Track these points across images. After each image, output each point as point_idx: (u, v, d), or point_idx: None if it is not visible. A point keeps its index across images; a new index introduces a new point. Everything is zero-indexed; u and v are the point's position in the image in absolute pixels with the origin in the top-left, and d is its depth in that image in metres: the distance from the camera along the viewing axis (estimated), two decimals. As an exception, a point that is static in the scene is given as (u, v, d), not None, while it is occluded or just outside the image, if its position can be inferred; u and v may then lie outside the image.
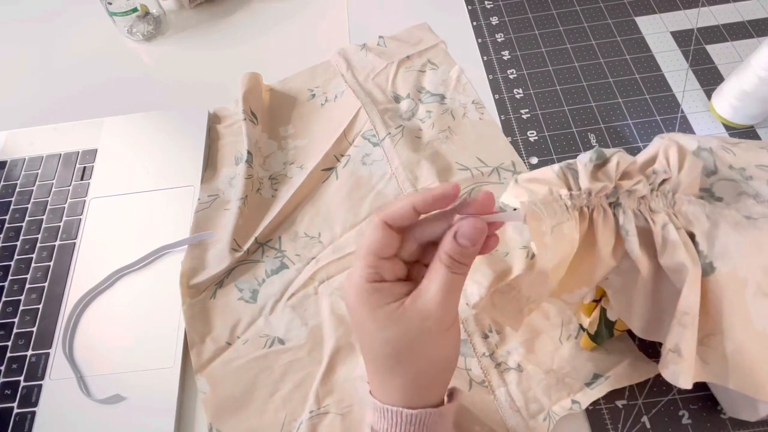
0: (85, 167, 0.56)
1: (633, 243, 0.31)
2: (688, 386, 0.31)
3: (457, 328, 0.30)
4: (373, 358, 0.30)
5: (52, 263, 0.50)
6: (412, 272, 0.31)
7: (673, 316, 0.31)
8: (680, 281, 0.31)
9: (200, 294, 0.48)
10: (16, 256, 0.51)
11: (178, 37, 0.68)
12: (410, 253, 0.30)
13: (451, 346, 0.30)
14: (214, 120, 0.59)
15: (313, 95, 0.60)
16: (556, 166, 0.33)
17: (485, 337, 0.44)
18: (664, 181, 0.31)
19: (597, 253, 0.32)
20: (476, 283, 0.44)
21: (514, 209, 0.33)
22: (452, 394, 0.33)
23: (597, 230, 0.31)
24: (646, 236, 0.31)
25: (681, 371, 0.31)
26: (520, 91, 0.59)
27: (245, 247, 0.49)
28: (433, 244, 0.29)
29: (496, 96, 0.59)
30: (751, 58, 0.49)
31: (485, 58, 0.62)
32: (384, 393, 0.31)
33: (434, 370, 0.30)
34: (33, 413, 0.43)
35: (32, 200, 0.55)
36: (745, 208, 0.31)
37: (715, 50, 0.60)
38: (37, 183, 0.56)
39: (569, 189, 0.32)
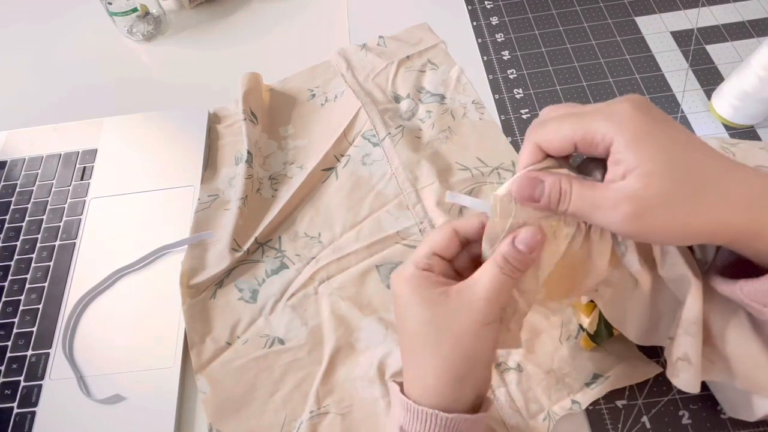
0: (85, 167, 0.56)
1: (632, 257, 0.31)
2: (697, 390, 0.32)
3: (495, 328, 0.30)
4: (410, 342, 0.32)
5: (52, 263, 0.50)
6: (459, 280, 0.31)
7: (671, 320, 0.31)
8: (681, 291, 0.31)
9: (200, 294, 0.48)
10: (16, 256, 0.51)
11: (178, 37, 0.68)
12: (462, 264, 0.32)
13: (488, 343, 0.30)
14: (214, 120, 0.59)
15: (313, 95, 0.60)
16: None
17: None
18: None
19: (589, 265, 0.32)
20: None
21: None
22: (482, 403, 0.33)
23: (593, 245, 0.31)
24: (643, 248, 0.32)
25: (692, 378, 0.32)
26: (520, 91, 0.59)
27: (245, 247, 0.49)
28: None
29: (496, 96, 0.59)
30: (751, 58, 0.49)
31: (485, 58, 0.62)
32: (416, 381, 0.31)
33: (469, 362, 0.30)
34: (33, 413, 0.43)
35: (32, 200, 0.55)
36: None
37: (715, 50, 0.60)
38: (37, 183, 0.56)
39: None
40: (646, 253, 0.32)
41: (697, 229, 0.26)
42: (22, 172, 0.57)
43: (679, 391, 0.41)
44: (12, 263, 0.51)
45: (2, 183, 0.56)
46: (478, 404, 0.32)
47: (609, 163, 0.27)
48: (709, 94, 0.56)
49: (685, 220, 0.25)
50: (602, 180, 0.28)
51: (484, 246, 0.30)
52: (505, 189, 0.29)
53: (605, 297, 0.35)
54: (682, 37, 0.61)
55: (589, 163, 0.30)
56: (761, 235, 0.26)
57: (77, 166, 0.56)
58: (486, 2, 0.67)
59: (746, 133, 0.53)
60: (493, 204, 0.29)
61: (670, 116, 0.27)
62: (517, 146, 0.54)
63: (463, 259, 0.33)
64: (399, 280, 0.31)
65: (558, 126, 0.28)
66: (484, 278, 0.29)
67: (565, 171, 0.29)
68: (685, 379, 0.32)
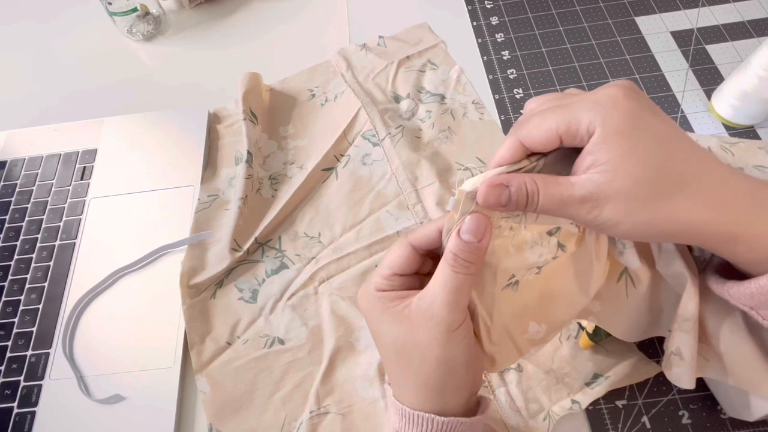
0: (85, 167, 0.56)
1: (631, 255, 0.31)
2: (691, 386, 0.32)
3: (465, 330, 0.29)
4: (386, 358, 0.32)
5: (52, 263, 0.50)
6: (425, 283, 0.31)
7: (673, 312, 0.31)
8: (679, 287, 0.31)
9: (200, 294, 0.48)
10: (16, 256, 0.51)
11: (178, 37, 0.68)
12: (429, 267, 0.32)
13: (459, 347, 0.29)
14: (214, 120, 0.59)
15: (313, 95, 0.60)
16: None
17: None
18: None
19: (585, 275, 0.32)
20: None
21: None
22: (479, 403, 0.32)
23: (589, 247, 0.31)
24: (642, 246, 0.32)
25: (684, 373, 0.32)
26: (520, 91, 0.59)
27: (245, 247, 0.49)
28: None
29: (496, 96, 0.59)
30: (751, 58, 0.49)
31: (485, 58, 0.62)
32: (401, 395, 0.31)
33: (442, 371, 0.29)
34: (33, 413, 0.43)
35: (32, 200, 0.55)
36: None
37: (715, 50, 0.60)
38: (37, 183, 0.56)
39: None
40: (644, 250, 0.32)
41: (663, 228, 0.25)
42: (22, 172, 0.57)
43: (679, 391, 0.41)
44: (12, 263, 0.51)
45: (2, 183, 0.56)
46: (474, 405, 0.32)
47: (582, 152, 0.26)
48: (709, 94, 0.56)
49: (647, 218, 0.25)
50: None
51: (443, 242, 0.29)
52: (471, 185, 0.27)
53: (595, 310, 0.35)
54: (682, 37, 0.61)
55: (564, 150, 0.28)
56: (738, 239, 0.25)
57: (77, 166, 0.56)
58: (486, 2, 0.67)
59: (746, 133, 0.53)
60: (457, 198, 0.27)
61: (657, 106, 0.26)
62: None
63: (428, 264, 0.32)
64: (362, 301, 0.31)
65: (541, 120, 0.26)
66: (437, 283, 0.28)
67: (537, 166, 0.28)
68: (676, 373, 0.32)
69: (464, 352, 0.29)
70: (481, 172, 0.27)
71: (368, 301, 0.31)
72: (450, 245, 0.28)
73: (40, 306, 0.48)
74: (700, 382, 0.39)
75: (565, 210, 0.26)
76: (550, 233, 0.30)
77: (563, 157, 0.28)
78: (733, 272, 0.28)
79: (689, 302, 0.30)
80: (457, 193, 0.27)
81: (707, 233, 0.25)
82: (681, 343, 0.31)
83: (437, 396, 0.30)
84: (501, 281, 0.30)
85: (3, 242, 0.52)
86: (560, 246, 0.31)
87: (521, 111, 0.57)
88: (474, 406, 0.32)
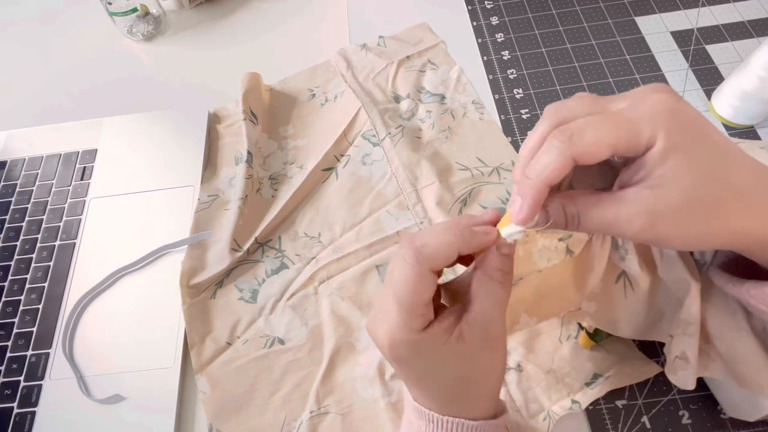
0: (85, 167, 0.56)
1: (632, 261, 0.31)
2: (693, 387, 0.32)
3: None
4: (434, 394, 0.29)
5: (52, 263, 0.50)
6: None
7: (673, 317, 0.31)
8: (681, 292, 0.31)
9: (200, 294, 0.48)
10: (16, 256, 0.51)
11: (178, 37, 0.68)
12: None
13: (504, 355, 0.29)
14: (214, 120, 0.59)
15: (313, 95, 0.60)
16: None
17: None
18: None
19: (582, 276, 0.32)
20: None
21: None
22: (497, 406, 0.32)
23: (593, 252, 0.31)
24: (642, 251, 0.32)
25: (688, 376, 0.32)
26: (520, 91, 0.59)
27: (245, 247, 0.49)
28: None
29: (496, 96, 0.59)
30: (751, 58, 0.49)
31: (485, 58, 0.62)
32: (422, 401, 0.30)
33: (499, 382, 0.29)
34: (33, 413, 0.43)
35: (32, 200, 0.55)
36: None
37: (715, 50, 0.60)
38: (37, 183, 0.56)
39: None
40: (645, 255, 0.32)
41: (716, 239, 0.24)
42: (22, 172, 0.57)
43: (679, 391, 0.41)
44: (12, 263, 0.51)
45: (2, 183, 0.56)
46: (497, 409, 0.32)
47: (634, 164, 0.24)
48: (709, 94, 0.56)
49: (702, 231, 0.24)
50: (606, 180, 0.26)
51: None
52: (508, 233, 0.26)
53: (590, 311, 0.35)
54: (682, 37, 0.61)
55: None
56: None
57: (77, 166, 0.56)
58: (486, 2, 0.67)
59: (746, 133, 0.53)
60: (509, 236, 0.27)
61: (701, 113, 0.25)
62: (517, 146, 0.54)
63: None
64: (398, 349, 0.27)
65: (597, 133, 0.23)
66: (489, 303, 0.27)
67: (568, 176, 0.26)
68: (682, 376, 0.32)
69: (505, 357, 0.29)
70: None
71: (410, 348, 0.27)
72: (495, 263, 0.27)
73: (40, 306, 0.48)
74: (701, 382, 0.39)
75: (612, 229, 0.25)
76: (561, 239, 0.31)
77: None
78: (741, 270, 0.28)
79: (692, 306, 0.30)
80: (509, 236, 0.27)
81: (758, 242, 0.25)
82: (686, 347, 0.31)
83: (469, 403, 0.29)
84: None
85: (3, 242, 0.52)
86: (569, 251, 0.31)
87: (521, 111, 0.57)
88: (498, 410, 0.32)
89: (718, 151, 0.24)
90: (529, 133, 0.26)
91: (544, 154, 0.24)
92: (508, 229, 0.26)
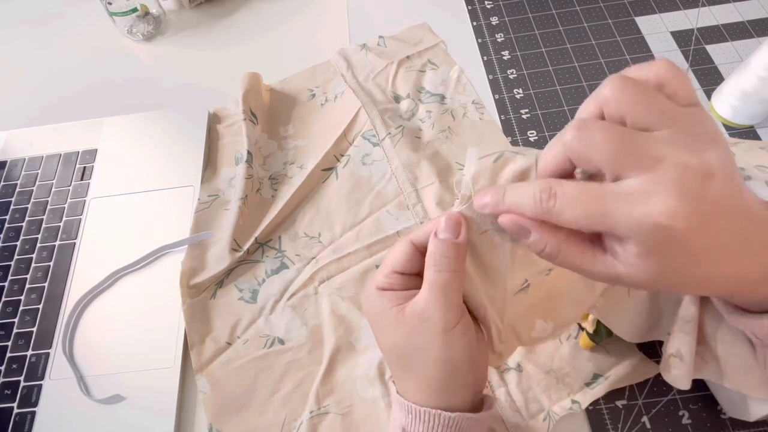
0: (85, 167, 0.56)
1: None
2: (688, 387, 0.32)
3: (463, 329, 0.29)
4: (388, 359, 0.33)
5: (52, 263, 0.50)
6: None
7: (672, 316, 0.31)
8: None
9: (200, 294, 0.48)
10: (16, 256, 0.51)
11: (178, 37, 0.68)
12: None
13: (458, 347, 0.29)
14: (214, 120, 0.59)
15: (313, 95, 0.60)
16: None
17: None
18: None
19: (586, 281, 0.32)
20: None
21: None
22: (484, 401, 0.32)
23: None
24: None
25: (683, 375, 0.32)
26: (520, 91, 0.59)
27: (245, 247, 0.49)
28: None
29: (496, 96, 0.59)
30: (751, 58, 0.49)
31: (485, 58, 0.62)
32: (405, 393, 0.31)
33: (444, 372, 0.29)
34: (33, 413, 0.43)
35: (32, 200, 0.55)
36: None
37: (715, 50, 0.60)
38: (37, 183, 0.56)
39: None
40: None
41: (693, 291, 0.26)
42: (22, 172, 0.57)
43: (679, 391, 0.41)
44: (12, 263, 0.51)
45: (2, 183, 0.56)
46: (479, 403, 0.32)
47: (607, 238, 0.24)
48: (709, 94, 0.56)
49: (677, 288, 0.25)
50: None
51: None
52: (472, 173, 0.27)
53: (598, 304, 0.35)
54: (682, 37, 0.61)
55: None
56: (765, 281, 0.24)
57: (77, 166, 0.56)
58: (486, 2, 0.67)
59: (746, 133, 0.53)
60: (463, 205, 0.27)
61: (731, 191, 0.22)
62: (516, 146, 0.54)
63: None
64: (364, 301, 0.32)
65: (579, 211, 0.23)
66: (426, 285, 0.28)
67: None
68: (676, 375, 0.32)
69: (464, 350, 0.29)
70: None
71: (368, 300, 0.31)
72: (430, 246, 0.28)
73: (40, 306, 0.48)
74: (701, 382, 0.39)
75: (584, 275, 0.25)
76: None
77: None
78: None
79: (690, 305, 0.30)
80: (461, 196, 0.28)
81: (740, 291, 0.25)
82: (681, 344, 0.31)
83: (441, 395, 0.30)
84: (514, 287, 0.30)
85: (3, 242, 0.52)
86: None
87: (521, 111, 0.57)
88: (479, 404, 0.32)
89: (712, 225, 0.22)
90: (549, 144, 0.24)
91: (524, 197, 0.24)
92: (455, 207, 0.28)
